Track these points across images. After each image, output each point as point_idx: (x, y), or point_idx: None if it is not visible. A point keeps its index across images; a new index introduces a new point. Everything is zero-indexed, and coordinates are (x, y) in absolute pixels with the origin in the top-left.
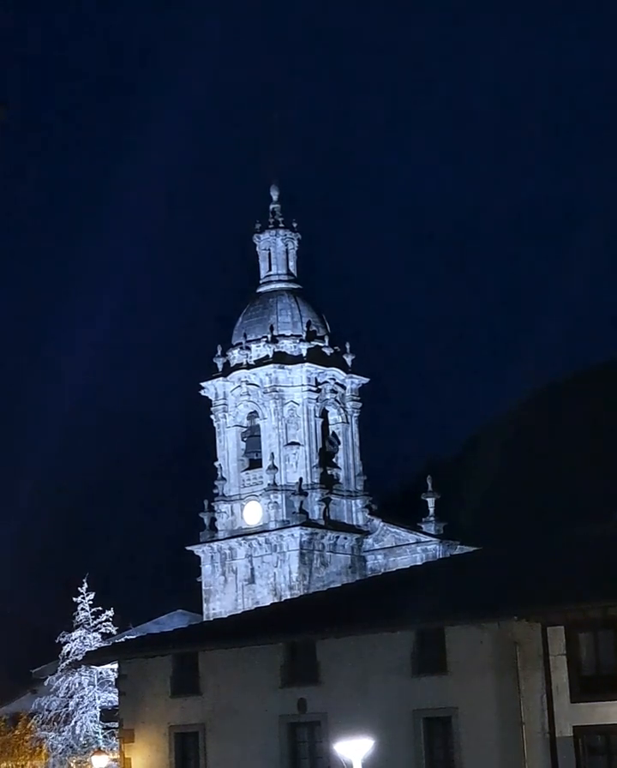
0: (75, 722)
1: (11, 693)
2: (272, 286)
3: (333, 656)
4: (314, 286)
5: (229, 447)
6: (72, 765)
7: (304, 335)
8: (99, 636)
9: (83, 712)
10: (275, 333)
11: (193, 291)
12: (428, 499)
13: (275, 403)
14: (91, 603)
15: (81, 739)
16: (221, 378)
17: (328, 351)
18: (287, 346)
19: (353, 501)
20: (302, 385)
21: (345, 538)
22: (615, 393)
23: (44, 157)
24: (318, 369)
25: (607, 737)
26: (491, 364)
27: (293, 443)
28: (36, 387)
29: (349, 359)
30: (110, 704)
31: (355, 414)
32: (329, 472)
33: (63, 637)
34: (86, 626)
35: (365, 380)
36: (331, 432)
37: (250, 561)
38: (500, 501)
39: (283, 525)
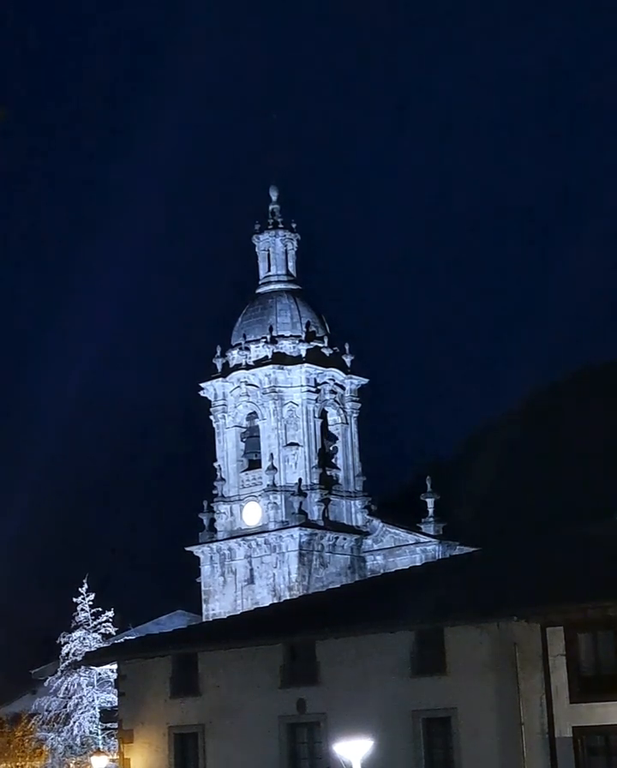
0: (75, 722)
1: (11, 693)
2: (272, 287)
3: (333, 656)
4: (313, 287)
5: (228, 447)
6: (71, 765)
7: (303, 336)
8: (99, 636)
9: (83, 713)
10: (274, 333)
11: (192, 291)
12: (427, 499)
13: (274, 403)
14: (91, 603)
15: (80, 739)
16: (220, 379)
17: (327, 352)
18: (286, 347)
19: (352, 502)
20: (302, 385)
21: (345, 539)
22: (615, 393)
23: (44, 157)
24: (317, 369)
25: (606, 738)
26: (491, 364)
27: (292, 444)
28: (36, 388)
29: (348, 360)
30: (109, 704)
31: (354, 414)
32: (328, 473)
33: (63, 637)
34: (86, 626)
35: (364, 380)
36: (330, 433)
37: (249, 562)
38: (500, 501)
39: (282, 525)
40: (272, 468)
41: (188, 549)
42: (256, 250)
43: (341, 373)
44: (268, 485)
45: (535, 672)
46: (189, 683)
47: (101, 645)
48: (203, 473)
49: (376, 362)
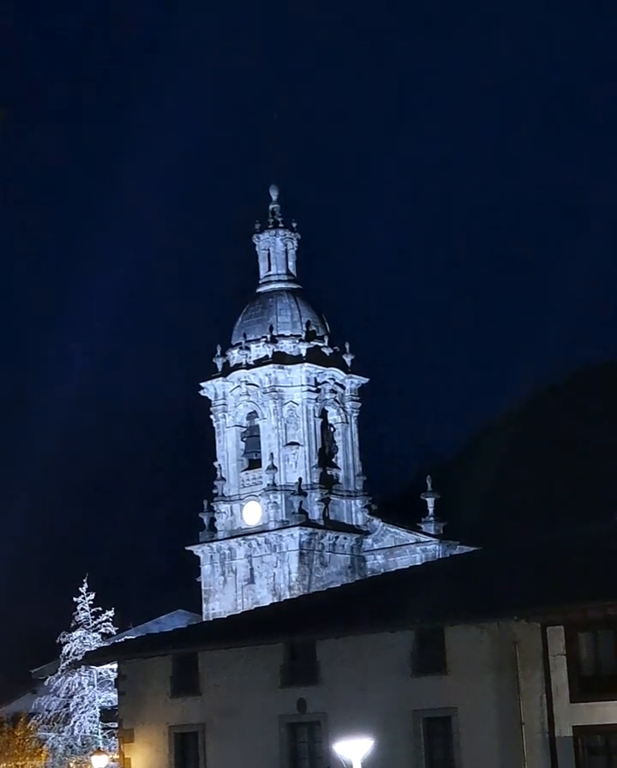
0: (75, 722)
1: (11, 693)
2: (272, 286)
3: (333, 656)
4: (313, 286)
5: (228, 447)
6: (72, 765)
7: (304, 335)
8: (99, 636)
9: (83, 712)
10: (274, 333)
11: (193, 291)
12: (427, 499)
13: (274, 403)
14: (91, 603)
15: (81, 739)
16: (220, 378)
17: (328, 351)
18: (286, 346)
19: (352, 501)
20: (302, 385)
21: (345, 538)
22: (615, 393)
23: (44, 157)
24: (317, 369)
25: (606, 737)
26: (491, 364)
27: (292, 443)
28: (36, 388)
29: (348, 359)
30: (109, 704)
31: (354, 414)
32: (328, 472)
33: (63, 637)
34: (86, 626)
35: (364, 380)
36: (330, 432)
37: (250, 561)
38: (500, 501)
39: (282, 525)
40: (273, 467)
41: (188, 548)
42: (256, 250)
43: (341, 372)
44: (268, 484)
45: (535, 671)
46: (190, 683)
47: (101, 644)
48: (203, 473)
49: (376, 361)
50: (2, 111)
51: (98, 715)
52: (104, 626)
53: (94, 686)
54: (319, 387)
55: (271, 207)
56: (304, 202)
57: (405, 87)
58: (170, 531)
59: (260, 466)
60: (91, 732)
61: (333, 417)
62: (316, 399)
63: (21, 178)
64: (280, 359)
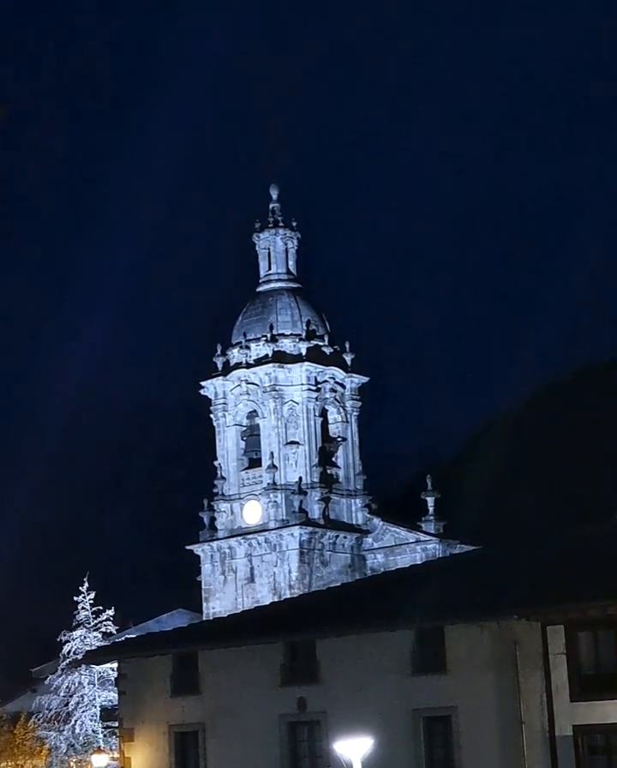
0: (75, 721)
1: (11, 692)
2: (272, 285)
3: (333, 655)
4: (313, 285)
5: (228, 446)
6: (72, 764)
7: (304, 334)
8: (100, 635)
9: (83, 711)
10: (275, 332)
11: (193, 290)
12: (427, 498)
13: (275, 402)
14: (91, 602)
15: (81, 738)
16: (221, 377)
17: (328, 351)
18: (287, 345)
19: (353, 501)
20: (302, 384)
21: (345, 537)
22: (615, 393)
23: (44, 156)
24: (317, 368)
25: (606, 736)
26: (491, 364)
27: (293, 442)
28: (35, 388)
29: (348, 358)
30: (110, 703)
31: (354, 413)
32: (329, 471)
33: (64, 636)
34: (86, 625)
35: (365, 379)
36: (330, 431)
37: (250, 561)
38: (500, 501)
39: (282, 524)
40: (273, 466)
41: (188, 547)
42: (256, 249)
43: (341, 371)
44: (269, 484)
45: (535, 670)
46: (190, 682)
47: (102, 643)
48: (204, 472)
49: (377, 360)
50: (3, 110)
51: (98, 714)
52: (104, 625)
53: (95, 685)
54: (319, 386)
55: (271, 206)
56: (304, 202)
57: (405, 86)
58: (170, 530)
59: (261, 465)
60: (91, 731)
61: (333, 416)
62: (316, 398)
63: (21, 177)
64: (280, 358)
